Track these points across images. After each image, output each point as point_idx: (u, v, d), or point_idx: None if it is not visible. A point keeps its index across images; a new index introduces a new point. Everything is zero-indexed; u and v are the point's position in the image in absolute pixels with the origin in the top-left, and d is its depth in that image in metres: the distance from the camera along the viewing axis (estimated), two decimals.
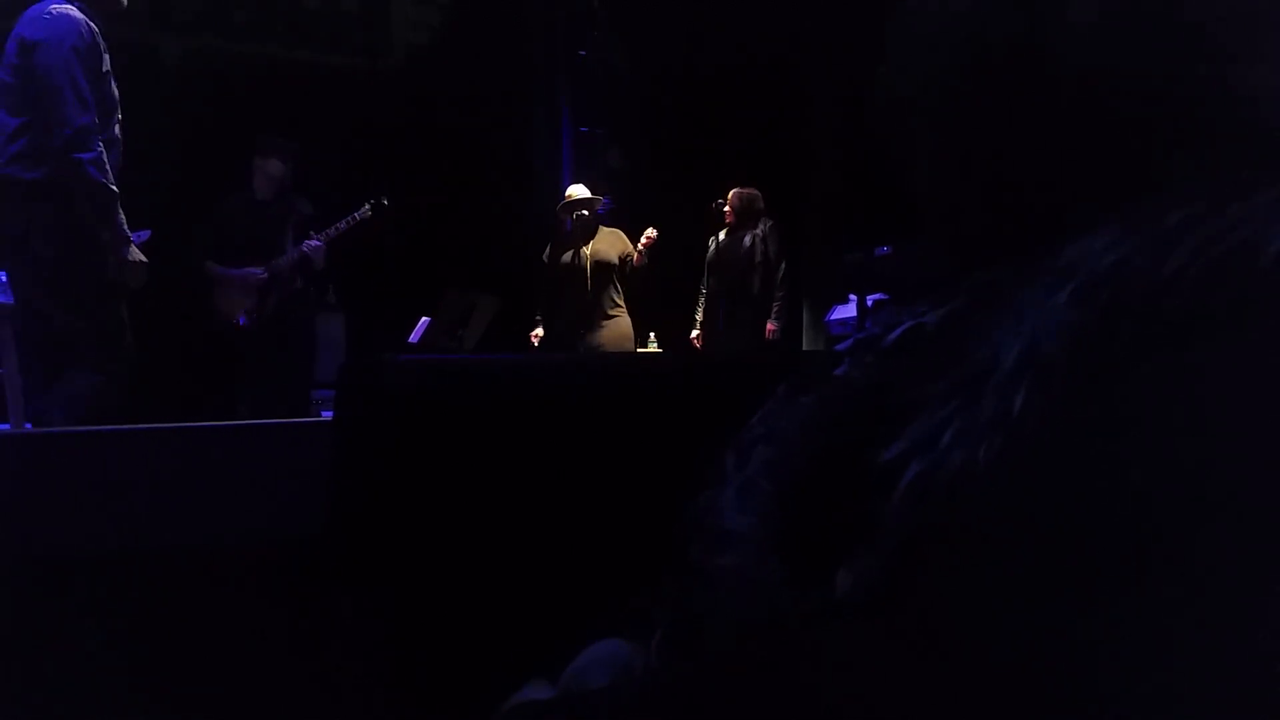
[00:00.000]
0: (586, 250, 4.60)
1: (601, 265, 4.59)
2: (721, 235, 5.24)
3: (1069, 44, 0.44)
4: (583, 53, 6.40)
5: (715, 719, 0.39)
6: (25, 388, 2.87)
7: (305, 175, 4.47)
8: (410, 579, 0.80)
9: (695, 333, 5.35)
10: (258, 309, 4.17)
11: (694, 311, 5.37)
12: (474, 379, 0.88)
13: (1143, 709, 0.29)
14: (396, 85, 6.43)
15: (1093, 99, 0.44)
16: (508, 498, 0.82)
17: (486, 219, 5.99)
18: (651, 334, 5.33)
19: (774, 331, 5.08)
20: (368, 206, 4.41)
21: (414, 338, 4.98)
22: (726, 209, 5.16)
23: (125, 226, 2.87)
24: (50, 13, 2.76)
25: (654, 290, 4.88)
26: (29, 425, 2.90)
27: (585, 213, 4.67)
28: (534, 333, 5.03)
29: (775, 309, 5.11)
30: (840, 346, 0.54)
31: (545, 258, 4.75)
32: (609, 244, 4.65)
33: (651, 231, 4.63)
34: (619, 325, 4.66)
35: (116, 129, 2.88)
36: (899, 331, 0.48)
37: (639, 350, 4.91)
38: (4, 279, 3.29)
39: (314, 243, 4.22)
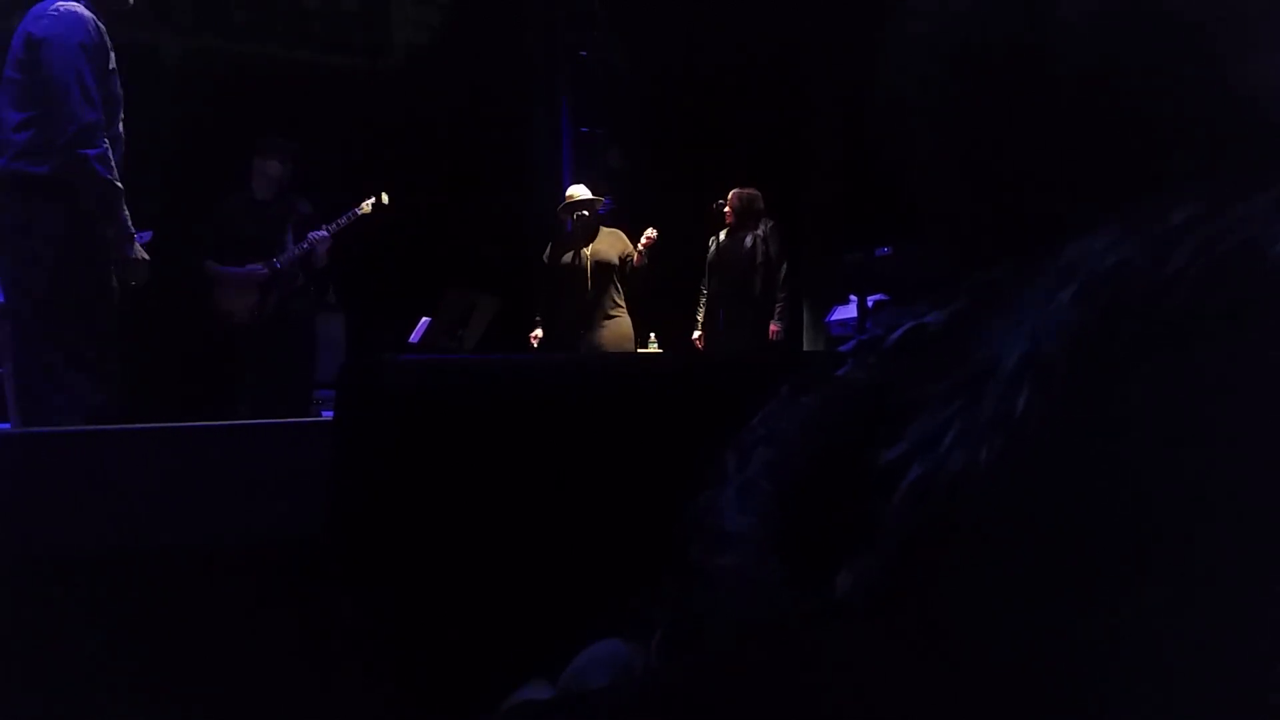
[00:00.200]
0: (587, 250, 4.60)
1: (602, 265, 4.59)
2: (722, 235, 5.24)
3: (1068, 43, 0.44)
4: (583, 53, 6.40)
5: (715, 719, 0.39)
6: (18, 387, 2.86)
7: (305, 175, 4.47)
8: (410, 579, 0.80)
9: (696, 333, 5.35)
10: (259, 307, 4.17)
11: (694, 312, 5.37)
12: (474, 379, 0.88)
13: (1142, 709, 0.29)
14: (396, 85, 6.43)
15: (1092, 98, 0.44)
16: (508, 498, 0.82)
17: (487, 219, 5.99)
18: (651, 334, 5.33)
19: (777, 332, 5.08)
20: (368, 203, 4.41)
21: (414, 338, 4.98)
22: (727, 209, 5.16)
23: (130, 223, 2.87)
24: (58, 9, 2.76)
25: (654, 290, 4.88)
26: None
27: (586, 213, 4.67)
28: (533, 334, 5.03)
29: (778, 309, 5.10)
30: (843, 347, 0.54)
31: (545, 258, 4.75)
32: (609, 244, 4.65)
33: (651, 232, 4.63)
34: (619, 325, 4.66)
35: (120, 126, 2.88)
36: (900, 332, 0.48)
37: (639, 350, 4.91)
38: None
39: (320, 233, 4.23)
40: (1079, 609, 0.30)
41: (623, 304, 4.69)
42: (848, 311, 5.74)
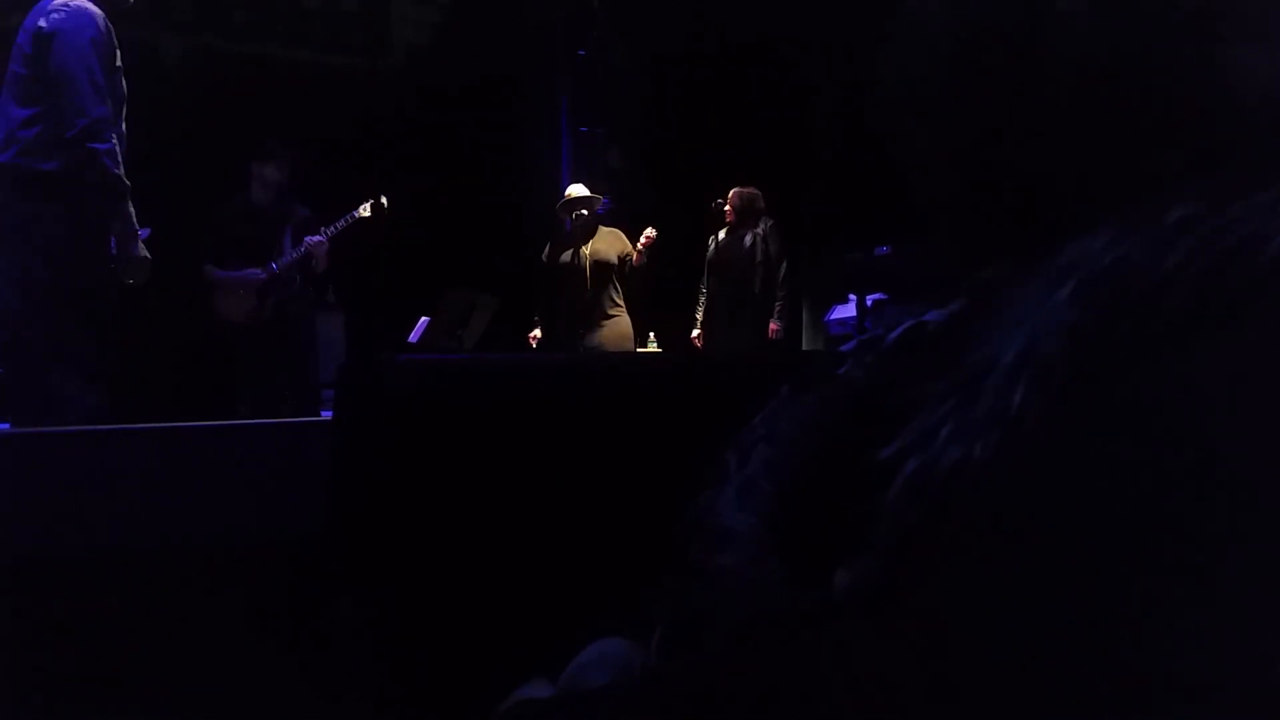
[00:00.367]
0: (586, 250, 4.60)
1: (601, 265, 4.58)
2: (722, 235, 5.24)
3: (1068, 42, 0.44)
4: (582, 52, 6.40)
5: (715, 718, 0.39)
6: (13, 390, 2.84)
7: (304, 175, 4.47)
8: (410, 579, 0.80)
9: (695, 332, 5.35)
10: (257, 311, 4.18)
11: (694, 311, 5.37)
12: (474, 379, 0.88)
13: (1142, 708, 0.29)
14: (396, 85, 6.43)
15: (1092, 97, 0.44)
16: (508, 497, 0.82)
17: (486, 219, 5.99)
18: (651, 334, 5.33)
19: (777, 331, 5.08)
20: (366, 206, 4.41)
21: (414, 337, 4.98)
22: (727, 208, 5.16)
23: (135, 220, 2.85)
24: (67, 5, 2.75)
25: (653, 290, 4.88)
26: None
27: (585, 212, 4.67)
28: (532, 333, 5.03)
29: (777, 308, 5.10)
30: (842, 347, 0.54)
31: (544, 257, 4.75)
32: (608, 243, 4.65)
33: (651, 231, 4.62)
34: (618, 325, 4.66)
35: (123, 125, 2.88)
36: (899, 331, 0.48)
37: (639, 350, 4.91)
38: None
39: (317, 238, 4.23)
40: (1077, 607, 0.30)
41: (622, 303, 4.69)
42: (847, 310, 5.74)
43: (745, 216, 5.11)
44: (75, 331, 2.77)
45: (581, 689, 0.59)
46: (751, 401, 0.56)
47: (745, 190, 5.15)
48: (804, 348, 6.06)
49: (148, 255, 2.93)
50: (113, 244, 2.86)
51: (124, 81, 2.87)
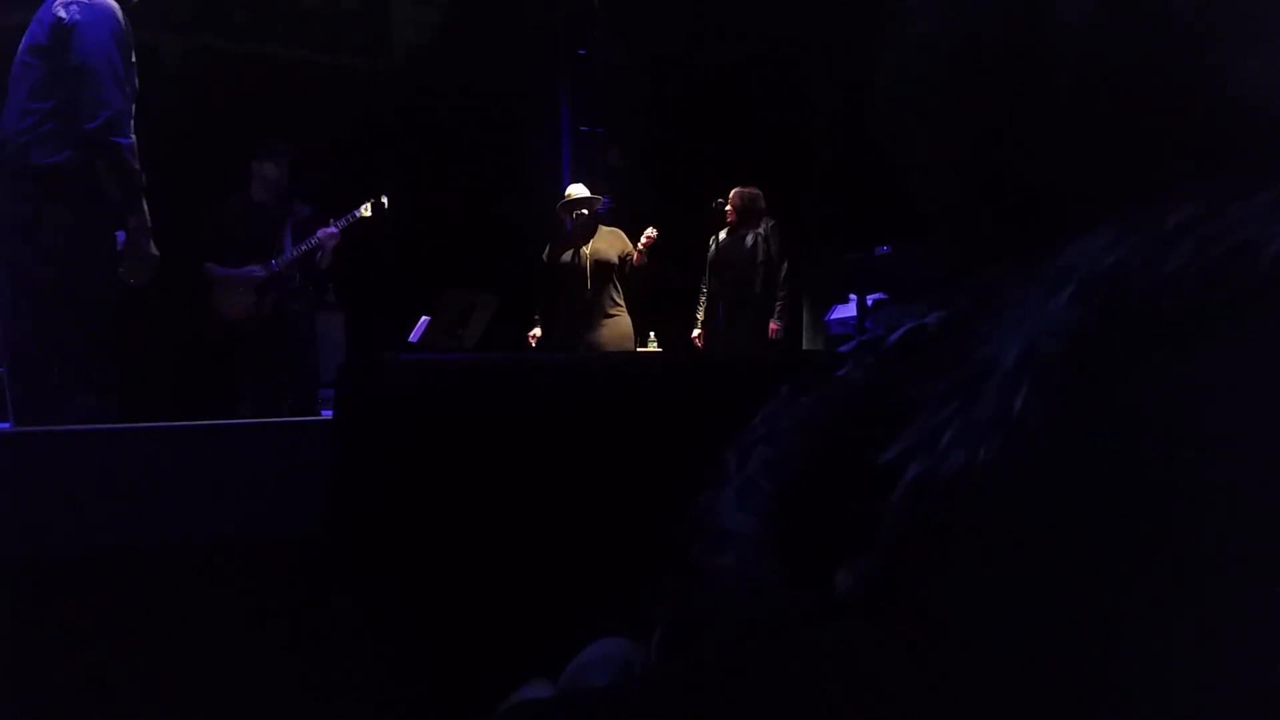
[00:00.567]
0: (586, 250, 4.60)
1: (601, 265, 4.58)
2: (722, 235, 5.24)
3: (1068, 43, 0.44)
4: (582, 52, 6.40)
5: (715, 719, 0.39)
6: (12, 390, 2.81)
7: (304, 174, 4.47)
8: (410, 579, 0.80)
9: (696, 332, 5.35)
10: (256, 309, 4.18)
11: (694, 311, 5.37)
12: (474, 379, 0.88)
13: (1142, 709, 0.29)
14: (396, 85, 6.43)
15: (1091, 98, 0.44)
16: (508, 497, 0.82)
17: (486, 219, 5.99)
18: (651, 334, 5.33)
19: (777, 331, 5.08)
20: (367, 205, 4.41)
21: (414, 337, 4.98)
22: (727, 208, 5.16)
23: (149, 217, 2.81)
24: None
25: (654, 290, 4.88)
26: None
27: (585, 212, 4.67)
28: (532, 333, 5.03)
29: (778, 308, 5.10)
30: (843, 348, 0.54)
31: (545, 257, 4.74)
32: (609, 243, 4.64)
33: (651, 231, 4.62)
34: (619, 325, 4.66)
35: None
36: (900, 333, 0.48)
37: (639, 350, 4.91)
38: None
39: (329, 230, 4.23)
40: (1077, 608, 0.30)
41: (622, 303, 4.69)
42: (847, 310, 5.74)
43: (746, 216, 5.11)
44: (78, 329, 2.73)
45: (581, 689, 0.59)
46: (752, 402, 0.56)
47: (746, 190, 5.15)
48: (804, 348, 6.06)
49: (158, 254, 2.88)
50: (120, 239, 2.81)
51: (137, 78, 2.83)
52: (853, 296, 5.47)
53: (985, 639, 0.32)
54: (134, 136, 2.73)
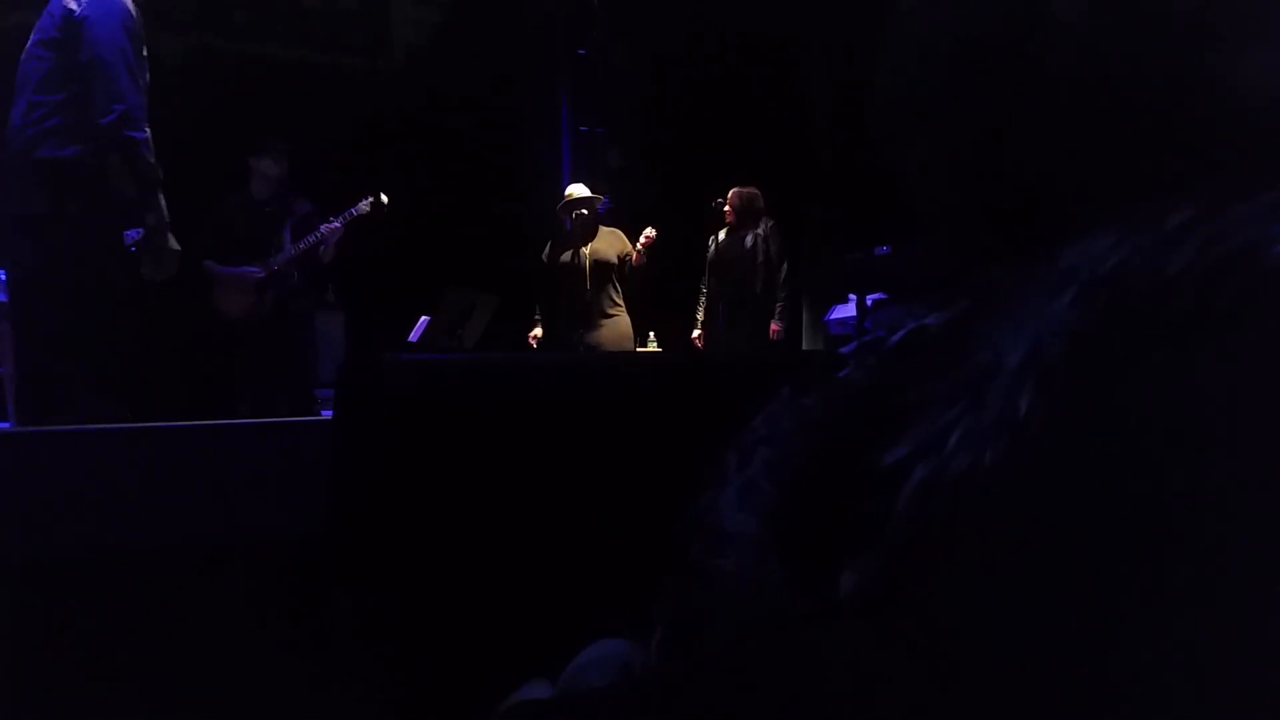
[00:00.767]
0: (586, 250, 4.60)
1: (601, 265, 4.58)
2: (722, 235, 5.24)
3: (1068, 43, 0.44)
4: (582, 52, 6.40)
5: (715, 719, 0.39)
6: (20, 389, 2.77)
7: (304, 174, 4.47)
8: (411, 579, 0.80)
9: (696, 333, 5.35)
10: (256, 307, 4.18)
11: (694, 311, 5.37)
12: (474, 379, 0.88)
13: (1144, 710, 0.29)
14: (396, 85, 6.43)
15: (1091, 98, 0.44)
16: (508, 497, 0.82)
17: (486, 218, 6.00)
18: (651, 334, 5.33)
19: (777, 331, 5.08)
20: (366, 202, 4.41)
21: (413, 337, 4.98)
22: (727, 208, 5.16)
23: (167, 212, 2.76)
24: None
25: (653, 290, 4.88)
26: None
27: (585, 212, 4.67)
28: (532, 333, 5.03)
29: (778, 309, 5.10)
30: (844, 349, 0.54)
31: (544, 257, 4.74)
32: (608, 243, 4.65)
33: (651, 231, 4.62)
34: (618, 325, 4.66)
35: None
36: (902, 333, 0.48)
37: (639, 350, 4.91)
38: (3, 277, 3.25)
39: (333, 224, 4.23)
40: (1080, 610, 0.30)
41: (621, 303, 4.69)
42: (847, 310, 5.74)
43: (745, 217, 5.11)
44: (88, 326, 2.67)
45: (581, 689, 0.59)
46: (752, 402, 0.56)
47: (745, 190, 5.15)
48: (804, 348, 6.06)
49: (178, 249, 2.83)
50: (128, 237, 2.76)
51: (148, 73, 2.80)
52: (852, 296, 5.47)
53: (987, 640, 0.32)
54: (149, 130, 2.69)
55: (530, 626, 0.71)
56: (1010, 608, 0.31)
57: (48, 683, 1.02)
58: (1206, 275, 0.32)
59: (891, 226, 4.50)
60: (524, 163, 6.49)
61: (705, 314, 5.32)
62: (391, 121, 5.99)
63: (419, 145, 6.05)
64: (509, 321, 5.02)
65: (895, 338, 0.48)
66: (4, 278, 3.18)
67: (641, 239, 4.62)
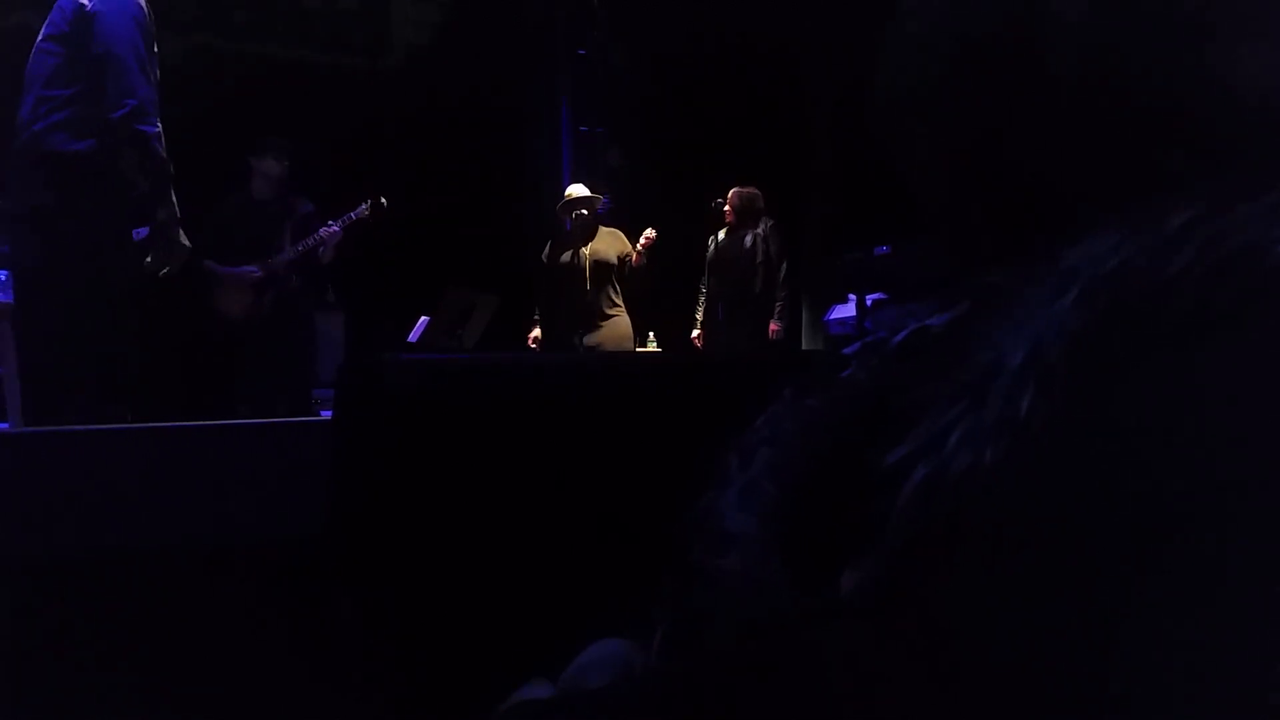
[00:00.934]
0: (585, 250, 4.60)
1: (600, 265, 4.58)
2: (721, 235, 5.24)
3: (1068, 42, 0.44)
4: (582, 52, 6.40)
5: (715, 719, 0.39)
6: (26, 388, 2.75)
7: (304, 174, 4.47)
8: (410, 579, 0.80)
9: (695, 332, 5.35)
10: (255, 307, 4.18)
11: (694, 311, 5.37)
12: (474, 379, 0.88)
13: (1145, 710, 0.29)
14: (396, 84, 6.43)
15: (1092, 98, 0.44)
16: (508, 497, 0.82)
17: (486, 218, 6.00)
18: (651, 334, 5.33)
19: (777, 331, 5.09)
20: (365, 206, 4.40)
21: (413, 337, 4.98)
22: (727, 208, 5.16)
23: (178, 208, 2.73)
24: None
25: (654, 290, 4.88)
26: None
27: (584, 212, 4.67)
28: (531, 334, 5.03)
29: (778, 308, 5.11)
30: (846, 350, 0.54)
31: (544, 257, 4.74)
32: (608, 244, 4.64)
33: (651, 232, 4.62)
34: (618, 325, 4.66)
35: None
36: (904, 335, 0.48)
37: (639, 350, 4.91)
38: (3, 277, 3.24)
39: (332, 228, 4.22)
40: (1080, 610, 0.30)
41: (621, 303, 4.69)
42: (846, 310, 5.75)
43: (745, 216, 5.11)
44: (94, 324, 2.63)
45: (582, 689, 0.59)
46: (751, 402, 0.56)
47: (745, 190, 5.15)
48: (804, 348, 6.06)
49: (188, 244, 2.80)
50: (136, 235, 2.73)
51: (158, 68, 2.77)
52: (852, 296, 5.47)
53: (987, 640, 0.32)
54: (160, 125, 2.67)
55: (531, 627, 0.71)
56: (1010, 608, 0.31)
57: (48, 683, 1.02)
58: (1207, 275, 0.32)
59: (891, 226, 4.50)
60: (524, 163, 6.49)
61: (705, 314, 5.32)
62: (391, 121, 5.99)
63: (419, 145, 6.05)
64: (509, 321, 5.02)
65: (898, 338, 0.48)
66: (3, 277, 3.17)
67: (642, 239, 4.61)
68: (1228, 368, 0.30)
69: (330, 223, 4.28)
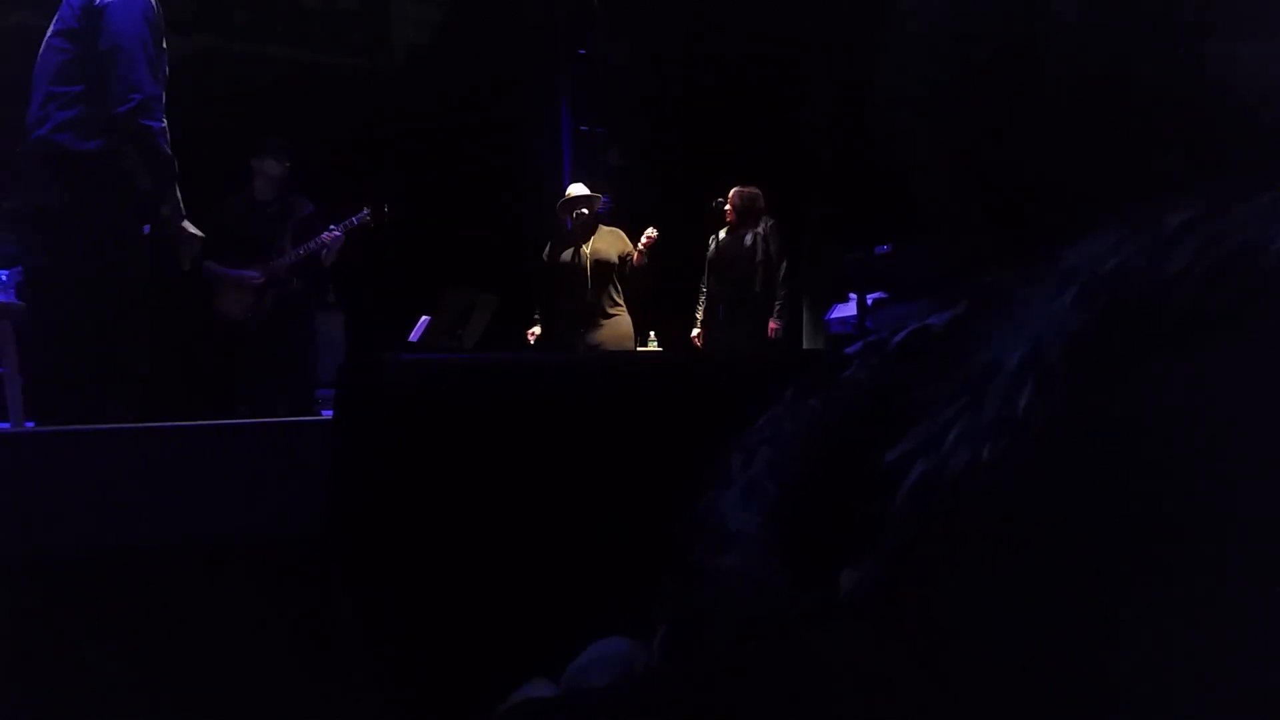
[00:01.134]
0: (586, 249, 4.60)
1: (601, 264, 4.58)
2: (722, 234, 5.24)
3: (1067, 42, 0.44)
4: (582, 52, 6.40)
5: (716, 718, 0.39)
6: (27, 387, 2.74)
7: (304, 175, 4.47)
8: (410, 579, 0.80)
9: (695, 332, 5.35)
10: (256, 308, 4.18)
11: (694, 311, 5.37)
12: (474, 379, 0.88)
13: (1145, 710, 0.29)
14: (396, 85, 6.43)
15: (1091, 98, 0.44)
16: (508, 497, 0.82)
17: (486, 218, 6.00)
18: (651, 334, 5.33)
19: (776, 330, 5.09)
20: (367, 212, 4.40)
21: (414, 336, 4.98)
22: (727, 208, 5.16)
23: (182, 203, 2.75)
24: None
25: (654, 290, 4.88)
26: (29, 424, 2.79)
27: (585, 211, 4.67)
28: (530, 331, 5.03)
29: (778, 308, 5.11)
30: (847, 349, 0.54)
31: (545, 257, 4.74)
32: (609, 243, 4.64)
33: (651, 231, 4.62)
34: (618, 324, 4.66)
35: None
36: (904, 334, 0.48)
37: (639, 350, 4.91)
38: (4, 277, 3.24)
39: (334, 233, 4.22)
40: (1080, 610, 0.30)
41: (621, 303, 4.69)
42: (847, 309, 5.75)
43: (745, 216, 5.12)
44: (107, 322, 2.63)
45: (583, 689, 0.59)
46: (751, 401, 0.56)
47: (745, 190, 5.16)
48: (805, 347, 6.06)
49: (199, 233, 2.81)
50: (146, 229, 2.74)
51: (166, 65, 2.77)
52: (852, 296, 5.47)
53: (987, 639, 0.32)
54: (165, 121, 2.67)
55: (532, 626, 0.71)
56: (1010, 608, 0.31)
57: (48, 683, 1.02)
58: (1206, 275, 0.32)
59: (891, 226, 4.50)
60: (524, 163, 6.49)
61: (705, 314, 5.32)
62: (391, 121, 5.99)
63: (419, 145, 6.05)
64: (509, 321, 5.02)
65: (898, 338, 0.48)
66: (3, 277, 3.17)
67: (643, 239, 4.61)
68: (1226, 368, 0.30)
69: (332, 226, 4.28)
